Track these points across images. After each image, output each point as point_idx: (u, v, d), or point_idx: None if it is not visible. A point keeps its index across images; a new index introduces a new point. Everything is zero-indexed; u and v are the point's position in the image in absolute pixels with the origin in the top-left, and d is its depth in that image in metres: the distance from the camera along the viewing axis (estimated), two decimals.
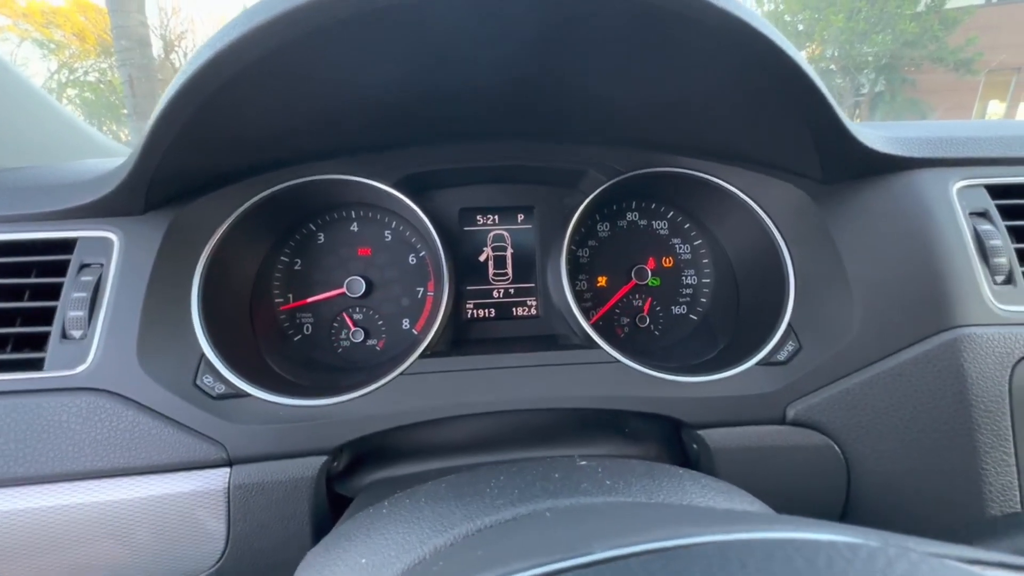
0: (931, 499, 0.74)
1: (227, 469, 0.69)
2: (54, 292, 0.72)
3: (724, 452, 0.77)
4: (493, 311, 1.03)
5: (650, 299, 1.03)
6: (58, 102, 1.31)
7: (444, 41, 0.57)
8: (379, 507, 0.47)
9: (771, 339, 0.82)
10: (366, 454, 0.83)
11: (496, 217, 1.03)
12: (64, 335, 0.70)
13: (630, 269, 1.01)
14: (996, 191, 0.80)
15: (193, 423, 0.69)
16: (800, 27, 16.03)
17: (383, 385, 0.76)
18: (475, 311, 1.02)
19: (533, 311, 1.03)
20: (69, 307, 0.70)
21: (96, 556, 0.67)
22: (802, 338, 0.82)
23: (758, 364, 0.81)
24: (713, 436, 0.77)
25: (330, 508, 0.75)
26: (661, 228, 1.04)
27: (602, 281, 1.03)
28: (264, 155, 0.80)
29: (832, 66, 15.87)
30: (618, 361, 0.81)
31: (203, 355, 0.74)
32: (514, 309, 1.03)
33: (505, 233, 1.03)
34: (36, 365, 0.69)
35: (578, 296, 1.02)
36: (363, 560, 0.40)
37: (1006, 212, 0.79)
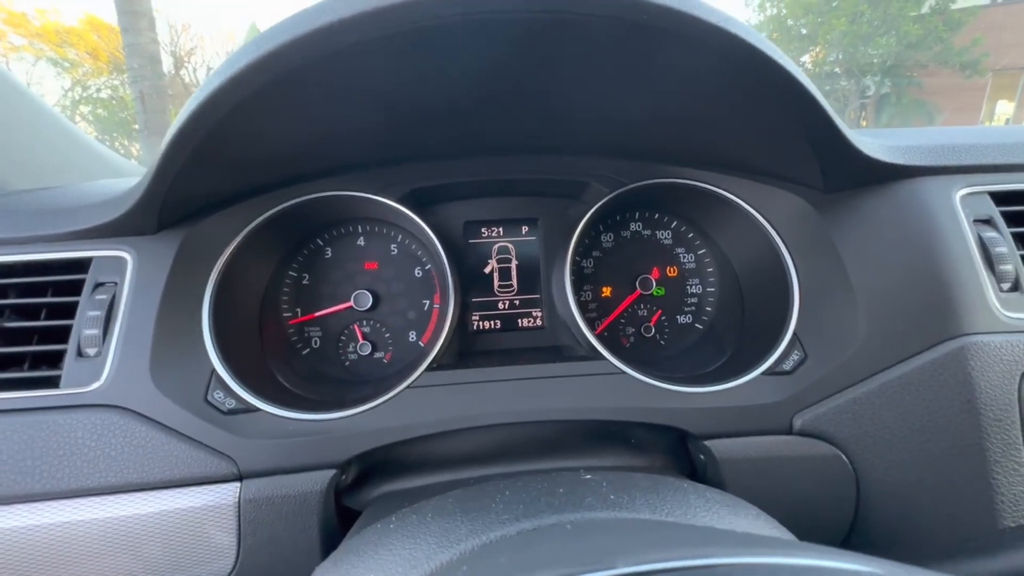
0: (942, 510, 0.73)
1: (237, 484, 0.70)
2: (70, 311, 0.73)
3: (731, 463, 0.77)
4: (499, 323, 1.03)
5: (655, 309, 1.03)
6: (71, 121, 1.34)
7: (447, 59, 0.59)
8: (386, 522, 0.48)
9: (776, 349, 0.81)
10: (374, 467, 0.84)
11: (500, 229, 1.04)
12: (79, 353, 0.72)
13: (634, 279, 1.01)
14: (1000, 198, 0.80)
15: (204, 438, 0.70)
16: (803, 31, 16.06)
17: (390, 399, 0.77)
18: (481, 323, 1.03)
19: (538, 322, 1.04)
20: (84, 325, 0.72)
21: (109, 571, 0.68)
22: (808, 347, 0.81)
23: (764, 374, 0.81)
24: (719, 447, 0.77)
25: (339, 521, 0.76)
26: (665, 238, 1.05)
27: (607, 291, 1.03)
28: (273, 174, 0.82)
29: (836, 69, 15.86)
30: (623, 372, 0.81)
31: (214, 371, 0.75)
32: (519, 320, 1.04)
33: (510, 245, 1.04)
34: (52, 383, 0.70)
35: (583, 307, 1.02)
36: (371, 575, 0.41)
37: (1011, 219, 0.79)
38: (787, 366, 0.81)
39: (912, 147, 0.80)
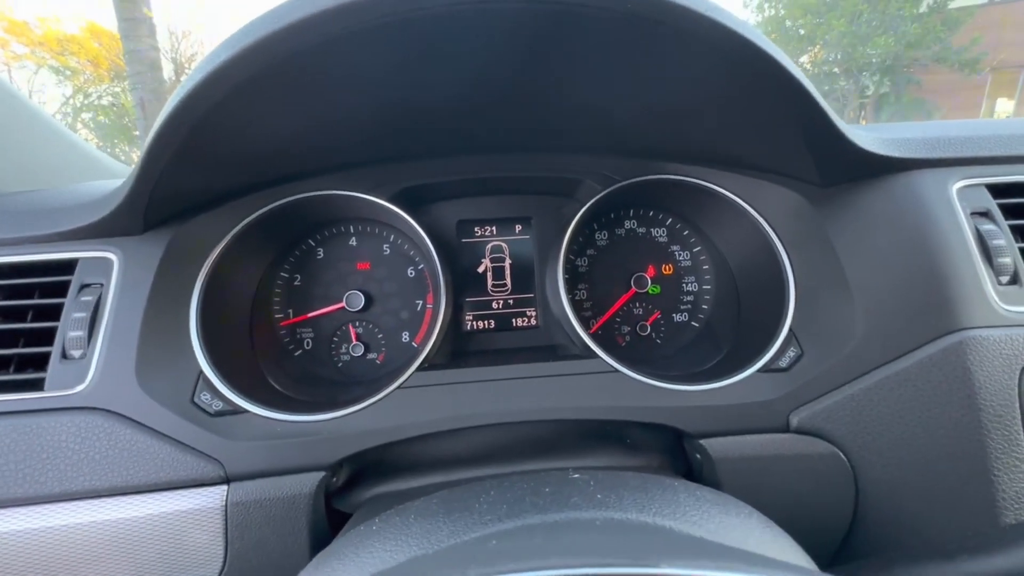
0: (942, 507, 0.72)
1: (224, 487, 0.69)
2: (55, 313, 0.73)
3: (727, 462, 0.76)
4: (492, 322, 1.02)
5: (650, 307, 1.02)
6: (73, 128, 1.34)
7: (438, 53, 0.58)
8: (370, 524, 0.47)
9: (772, 345, 0.80)
10: (365, 469, 0.83)
11: (494, 228, 1.03)
12: (64, 355, 0.71)
13: (630, 277, 1.00)
14: (998, 190, 0.79)
15: (190, 441, 0.69)
16: (801, 31, 16.08)
17: (381, 399, 0.76)
18: (474, 322, 1.02)
19: (532, 321, 1.03)
20: (69, 327, 0.71)
21: (94, 575, 0.67)
22: (804, 344, 0.80)
23: (759, 371, 0.79)
24: (715, 446, 0.76)
25: (329, 524, 0.75)
26: (660, 235, 1.04)
27: (602, 290, 1.02)
28: (261, 173, 0.81)
29: (835, 69, 15.87)
30: (618, 371, 0.80)
31: (201, 372, 0.74)
32: (513, 320, 1.03)
33: (503, 244, 1.03)
34: (37, 385, 0.70)
35: (578, 305, 1.01)
36: None
37: (1008, 211, 0.78)
38: (783, 363, 0.80)
39: (907, 140, 0.79)
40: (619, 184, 0.90)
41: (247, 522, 0.69)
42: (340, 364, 0.98)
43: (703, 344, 1.00)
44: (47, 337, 0.72)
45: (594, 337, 0.83)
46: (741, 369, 0.79)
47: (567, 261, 0.90)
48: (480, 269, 1.03)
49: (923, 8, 14.40)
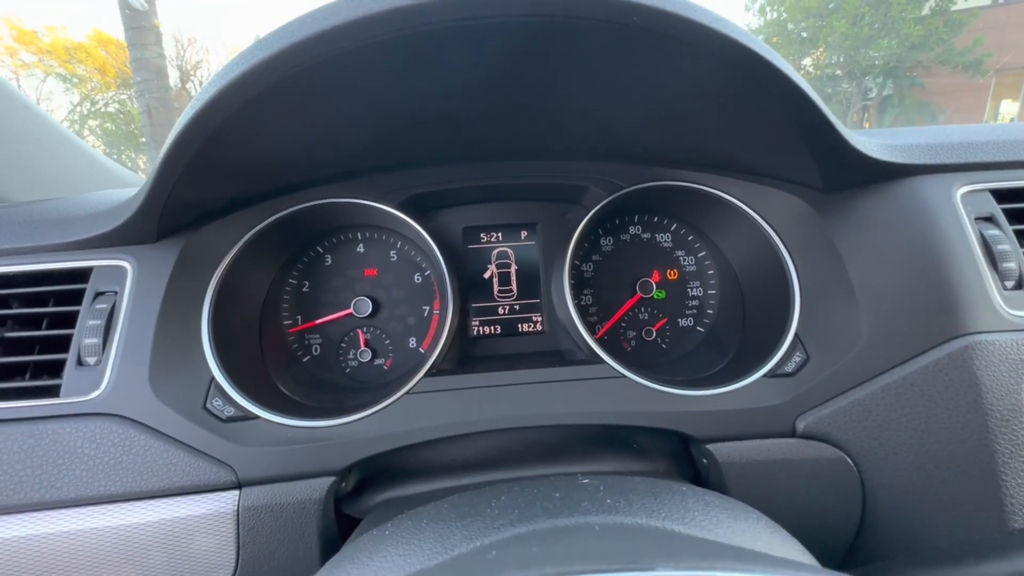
0: (950, 513, 0.72)
1: (236, 492, 0.70)
2: (70, 320, 0.74)
3: (734, 466, 0.76)
4: (499, 328, 1.03)
5: (656, 312, 1.03)
6: (80, 135, 1.36)
7: (443, 65, 0.59)
8: (382, 529, 0.48)
9: (778, 350, 0.81)
10: (374, 474, 0.83)
11: (499, 235, 1.04)
12: (80, 362, 0.72)
13: (635, 283, 1.01)
14: (1002, 195, 0.79)
15: (203, 446, 0.70)
16: (803, 34, 16.08)
17: (389, 405, 0.77)
18: (481, 328, 1.03)
19: (539, 327, 1.04)
20: (84, 335, 0.72)
21: None
22: (809, 349, 0.81)
23: (765, 376, 0.80)
24: (722, 450, 0.76)
25: (339, 529, 0.76)
26: (664, 241, 1.04)
27: (607, 295, 1.03)
28: (271, 181, 0.83)
29: (838, 72, 15.86)
30: (624, 376, 0.80)
31: (213, 379, 0.76)
32: (520, 325, 1.03)
33: (509, 250, 1.04)
34: (53, 392, 0.71)
35: (584, 311, 1.02)
36: None
37: (1013, 216, 0.78)
38: (789, 368, 0.80)
39: (911, 145, 0.79)
40: (624, 190, 0.91)
41: (258, 527, 0.70)
42: (348, 370, 0.98)
43: (708, 349, 1.00)
44: (62, 344, 0.73)
45: (600, 342, 0.84)
46: (747, 374, 0.80)
47: (573, 267, 0.91)
48: (486, 275, 1.04)
49: (925, 10, 14.40)
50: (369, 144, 0.80)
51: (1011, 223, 0.77)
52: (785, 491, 0.76)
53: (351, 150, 0.81)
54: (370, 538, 0.47)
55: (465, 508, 0.45)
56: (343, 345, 0.98)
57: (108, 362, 0.72)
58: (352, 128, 0.73)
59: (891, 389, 0.73)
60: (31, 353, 0.74)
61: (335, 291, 0.99)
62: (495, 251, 1.04)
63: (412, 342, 0.99)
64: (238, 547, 0.69)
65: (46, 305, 0.76)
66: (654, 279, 1.02)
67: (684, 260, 1.04)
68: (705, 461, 0.79)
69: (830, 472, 0.75)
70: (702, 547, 0.37)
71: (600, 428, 0.84)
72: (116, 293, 0.75)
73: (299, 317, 0.97)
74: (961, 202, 0.77)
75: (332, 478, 0.73)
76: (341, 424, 0.75)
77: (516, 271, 1.04)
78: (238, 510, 0.69)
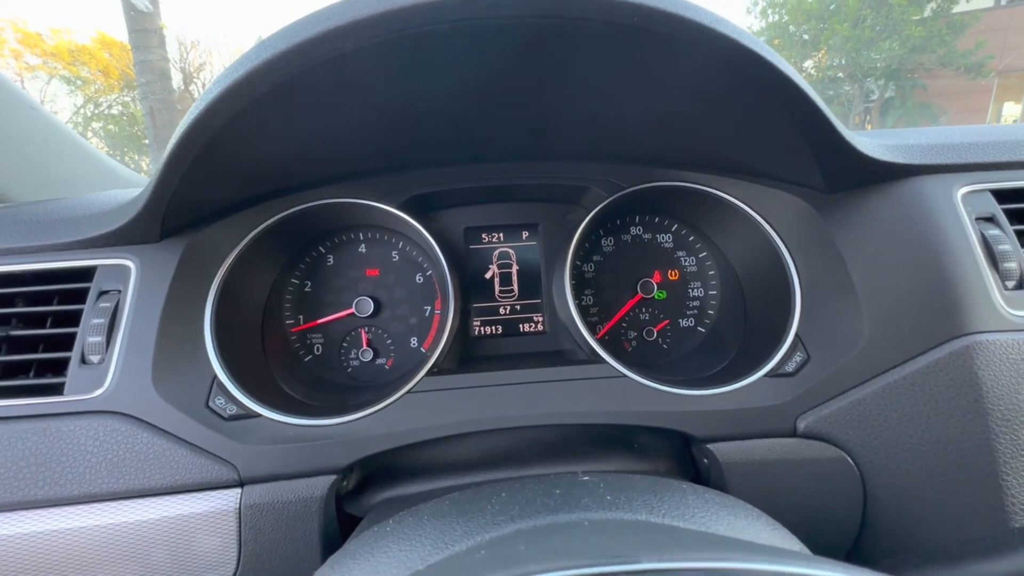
0: (951, 512, 0.72)
1: (238, 489, 0.70)
2: (74, 319, 0.74)
3: (735, 466, 0.76)
4: (500, 328, 1.03)
5: (656, 312, 1.03)
6: (84, 136, 1.37)
7: (444, 65, 0.59)
8: (383, 525, 0.48)
9: (779, 350, 0.81)
10: (375, 473, 0.84)
11: (501, 235, 1.04)
12: (83, 360, 0.73)
13: (636, 283, 1.01)
14: (1002, 195, 0.79)
15: (205, 444, 0.71)
16: (805, 36, 16.09)
17: (391, 404, 0.77)
18: (482, 328, 1.03)
19: (540, 327, 1.04)
20: (88, 333, 0.73)
21: None
22: (810, 349, 0.81)
23: (766, 376, 0.80)
24: (723, 450, 0.76)
25: (340, 528, 0.76)
26: (665, 241, 1.05)
27: (608, 296, 1.03)
28: (274, 182, 0.83)
29: (840, 74, 15.85)
30: (625, 376, 0.80)
31: (215, 377, 0.76)
32: (521, 325, 1.04)
33: (510, 250, 1.04)
34: (57, 390, 0.71)
35: (585, 311, 1.02)
36: None
37: (1014, 216, 0.78)
38: (790, 368, 0.80)
39: (912, 146, 0.79)
40: (625, 191, 0.91)
41: (260, 524, 0.70)
42: (349, 369, 0.99)
43: (709, 349, 1.00)
44: (66, 343, 0.74)
45: (601, 342, 0.84)
46: (748, 374, 0.80)
47: (574, 267, 0.91)
48: (487, 275, 1.04)
49: (927, 12, 14.39)
50: (371, 145, 0.81)
51: (1012, 223, 0.77)
52: (786, 491, 0.76)
53: (353, 151, 0.82)
54: (371, 535, 0.47)
55: (466, 505, 0.45)
56: (345, 345, 0.99)
57: (111, 360, 0.72)
58: (354, 129, 0.74)
59: (892, 389, 0.73)
60: (35, 351, 0.74)
61: (337, 291, 0.99)
62: (496, 251, 1.04)
63: (413, 342, 1.00)
64: (240, 545, 0.70)
65: (50, 304, 0.76)
66: (655, 279, 1.02)
67: (685, 260, 1.04)
68: (706, 461, 0.80)
69: (831, 472, 0.75)
70: (687, 538, 0.37)
71: (601, 428, 0.84)
72: (120, 292, 0.76)
73: (301, 317, 0.98)
74: (962, 202, 0.77)
75: (333, 476, 0.73)
76: (343, 423, 0.75)
77: (517, 271, 1.04)
78: (240, 508, 0.69)
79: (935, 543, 0.72)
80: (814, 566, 0.29)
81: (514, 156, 0.92)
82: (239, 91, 0.54)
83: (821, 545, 0.50)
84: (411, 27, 0.50)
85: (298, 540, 0.71)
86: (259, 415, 0.75)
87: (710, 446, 0.77)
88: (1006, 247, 0.74)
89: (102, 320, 0.73)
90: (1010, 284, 0.74)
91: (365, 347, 0.98)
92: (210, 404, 0.74)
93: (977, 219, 0.77)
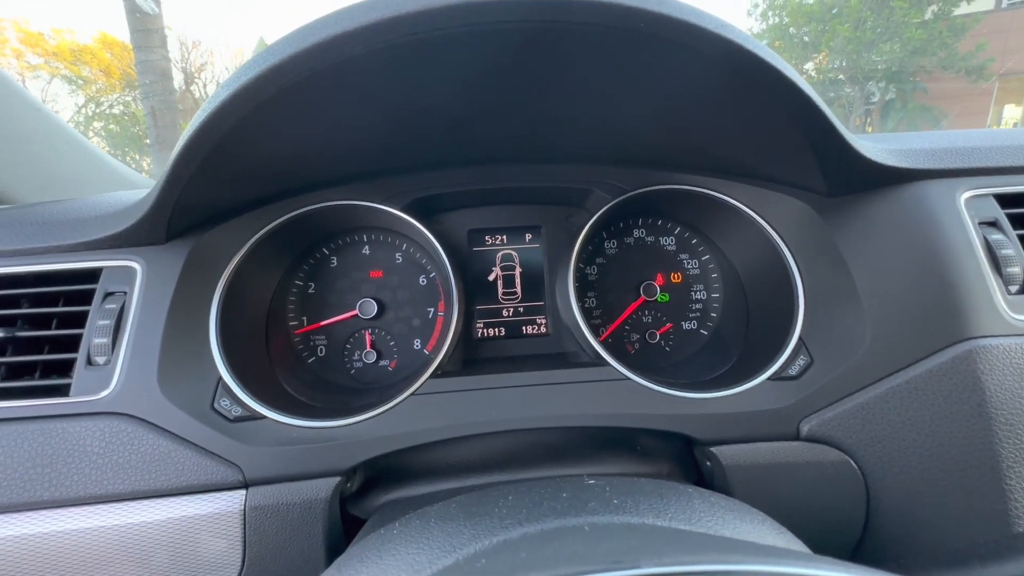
0: (954, 516, 0.72)
1: (243, 491, 0.70)
2: (80, 320, 0.75)
3: (738, 469, 0.76)
4: (503, 330, 1.03)
5: (659, 315, 1.03)
6: (85, 136, 1.37)
7: (449, 69, 0.60)
8: (390, 528, 0.48)
9: (782, 354, 0.81)
10: (379, 475, 0.84)
11: (504, 237, 1.05)
12: (89, 361, 0.73)
13: (639, 285, 1.01)
14: (1006, 200, 0.79)
15: (211, 446, 0.71)
16: (806, 39, 16.09)
17: (395, 406, 0.77)
18: (485, 330, 1.03)
19: (543, 329, 1.04)
20: (94, 334, 0.73)
21: None
22: (813, 352, 0.81)
23: (769, 379, 0.80)
24: (726, 453, 0.77)
25: (344, 529, 0.76)
26: (668, 244, 1.05)
27: (611, 298, 1.03)
28: (279, 184, 0.84)
29: (840, 76, 15.85)
30: (628, 378, 0.81)
31: (220, 379, 0.76)
32: (524, 327, 1.04)
33: (513, 253, 1.05)
34: (63, 391, 0.72)
35: (587, 313, 1.02)
36: None
37: (1017, 221, 0.78)
38: (793, 371, 0.80)
39: (915, 150, 0.80)
40: (628, 194, 0.91)
41: (264, 526, 0.70)
42: (353, 371, 0.99)
43: (712, 352, 1.01)
44: (72, 344, 0.74)
45: (604, 345, 0.84)
46: (751, 377, 0.80)
47: (577, 269, 0.91)
48: (491, 277, 1.04)
49: (928, 15, 14.39)
50: (375, 146, 0.81)
51: (1015, 228, 0.78)
52: (789, 494, 0.76)
53: (358, 153, 0.82)
54: (378, 537, 0.47)
55: (473, 507, 0.45)
56: (348, 346, 0.99)
57: (117, 362, 0.73)
58: (358, 131, 0.74)
59: (895, 393, 0.73)
60: (41, 352, 0.75)
61: (341, 292, 0.99)
62: (499, 253, 1.04)
63: (417, 343, 1.00)
64: (244, 546, 0.70)
65: (56, 305, 0.76)
66: (658, 282, 1.02)
67: (688, 263, 1.05)
68: (709, 464, 0.80)
69: (834, 475, 0.75)
70: (687, 540, 0.37)
71: (604, 430, 0.84)
72: (125, 293, 0.76)
73: (305, 318, 0.98)
74: (965, 207, 0.78)
75: (338, 478, 0.73)
76: (347, 425, 0.75)
77: (520, 273, 1.05)
78: (245, 509, 0.70)
79: (938, 547, 0.72)
80: (816, 566, 0.29)
81: (518, 158, 0.92)
82: (247, 95, 0.55)
83: (824, 548, 0.51)
84: (421, 31, 0.51)
85: (302, 542, 0.71)
86: (264, 417, 0.75)
87: (713, 449, 0.77)
88: (1009, 252, 0.75)
89: (108, 322, 0.73)
90: (1013, 288, 0.74)
91: (369, 349, 0.98)
92: (215, 406, 0.74)
93: (980, 223, 0.78)
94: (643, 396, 0.80)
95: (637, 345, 1.03)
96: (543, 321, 1.04)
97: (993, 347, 0.70)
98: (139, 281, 0.76)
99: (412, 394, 0.78)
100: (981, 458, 0.69)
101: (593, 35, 0.54)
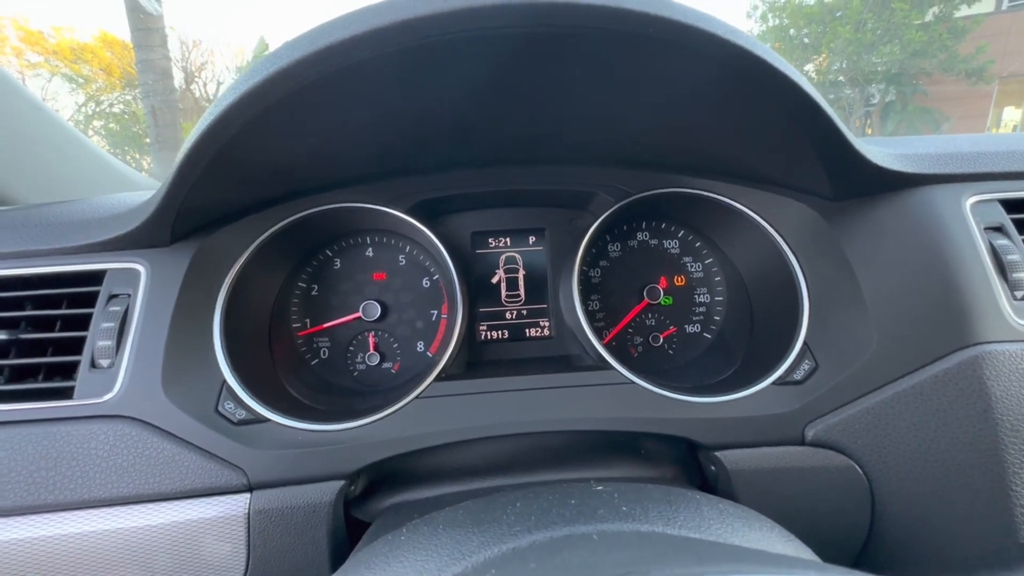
0: (959, 522, 0.72)
1: (247, 494, 0.70)
2: (84, 322, 0.74)
3: (743, 474, 0.76)
4: (507, 332, 1.03)
5: (663, 318, 1.03)
6: (85, 135, 1.37)
7: (453, 73, 0.59)
8: (397, 534, 0.48)
9: (787, 358, 0.81)
10: (383, 478, 0.84)
11: (508, 240, 1.04)
12: (93, 364, 0.73)
13: (642, 289, 1.01)
14: (1011, 205, 0.79)
15: (215, 449, 0.71)
16: (806, 40, 16.11)
17: (399, 409, 0.77)
18: (489, 333, 1.03)
19: (546, 332, 1.04)
20: (98, 337, 0.73)
21: None
22: (818, 357, 0.81)
23: (774, 384, 0.80)
24: (731, 458, 0.76)
25: (348, 533, 0.76)
26: (672, 247, 1.05)
27: (615, 301, 1.03)
28: (283, 186, 0.83)
29: (840, 78, 15.87)
30: (632, 382, 0.81)
31: (224, 382, 0.76)
32: (527, 330, 1.04)
33: (517, 255, 1.04)
34: (66, 394, 0.71)
35: (591, 316, 1.02)
36: None
37: (1022, 226, 0.78)
38: (798, 376, 0.80)
39: (920, 155, 0.80)
40: (632, 197, 0.91)
41: (269, 530, 0.70)
42: (356, 373, 0.99)
43: (716, 356, 1.01)
44: (76, 346, 0.74)
45: (608, 348, 0.84)
46: (756, 381, 0.80)
47: (580, 272, 0.91)
48: (494, 280, 1.04)
49: (928, 17, 14.40)
50: (380, 150, 0.81)
51: (1021, 233, 0.77)
52: (794, 499, 0.76)
53: (362, 155, 0.82)
54: (385, 543, 0.47)
55: (481, 514, 0.45)
56: (351, 348, 0.99)
57: (121, 364, 0.72)
58: (364, 134, 0.74)
59: (900, 398, 0.73)
60: (45, 355, 0.74)
61: (344, 295, 0.99)
62: (503, 256, 1.04)
63: (420, 346, 1.00)
64: (248, 550, 0.70)
65: (60, 307, 0.76)
66: (661, 285, 1.02)
67: (691, 267, 1.04)
68: (713, 468, 0.80)
69: (839, 480, 0.75)
70: (698, 549, 0.37)
71: (608, 433, 0.84)
72: (129, 296, 0.76)
73: (308, 320, 0.98)
74: (971, 212, 0.77)
75: (342, 482, 0.73)
76: (351, 428, 0.75)
77: (524, 276, 1.04)
78: (249, 513, 0.69)
79: (944, 553, 0.72)
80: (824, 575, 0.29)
81: (521, 161, 0.92)
82: (255, 98, 0.54)
83: (829, 554, 0.51)
84: (424, 37, 0.51)
85: (307, 545, 0.71)
86: (268, 420, 0.75)
87: (718, 454, 0.77)
88: (1015, 257, 0.75)
89: (112, 324, 0.73)
90: (1019, 294, 0.74)
91: (372, 351, 0.98)
92: (219, 409, 0.74)
93: (986, 229, 0.77)
94: (647, 400, 0.80)
95: (640, 348, 1.03)
96: (546, 324, 1.04)
97: (999, 353, 0.70)
98: (143, 283, 0.76)
99: (417, 397, 0.78)
100: (987, 464, 0.69)
101: (602, 39, 0.53)
